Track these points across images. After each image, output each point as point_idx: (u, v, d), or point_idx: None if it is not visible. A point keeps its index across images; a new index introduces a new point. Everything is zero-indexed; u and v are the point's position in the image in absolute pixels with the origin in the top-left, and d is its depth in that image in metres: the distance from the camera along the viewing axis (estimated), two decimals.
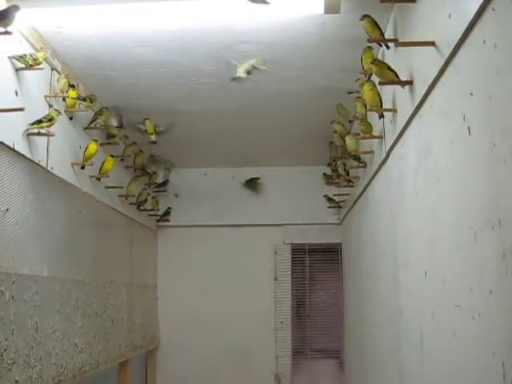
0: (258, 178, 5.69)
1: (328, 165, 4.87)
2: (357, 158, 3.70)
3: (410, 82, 2.32)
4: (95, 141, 3.46)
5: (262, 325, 5.62)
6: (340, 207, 5.30)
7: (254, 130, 4.59)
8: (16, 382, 2.54)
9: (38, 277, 2.85)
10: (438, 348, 2.01)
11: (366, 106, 3.25)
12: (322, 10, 2.57)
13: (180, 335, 5.63)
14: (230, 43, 3.07)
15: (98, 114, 3.68)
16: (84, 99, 3.40)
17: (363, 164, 3.66)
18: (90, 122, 3.65)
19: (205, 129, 4.55)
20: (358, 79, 3.22)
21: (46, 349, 2.89)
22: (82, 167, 3.39)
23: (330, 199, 5.26)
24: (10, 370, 2.48)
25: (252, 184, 5.70)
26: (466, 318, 1.69)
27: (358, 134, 3.35)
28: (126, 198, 4.51)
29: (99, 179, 3.81)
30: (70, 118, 3.33)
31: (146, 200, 4.98)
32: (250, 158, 5.46)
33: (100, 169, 3.76)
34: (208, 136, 4.75)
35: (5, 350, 2.45)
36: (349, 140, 3.61)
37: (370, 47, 2.83)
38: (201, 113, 4.14)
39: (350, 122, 4.00)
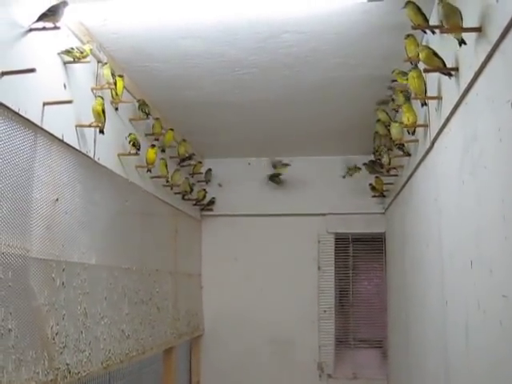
0: (280, 174, 5.68)
1: (373, 153, 4.83)
2: (401, 147, 3.65)
3: (455, 69, 2.28)
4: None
5: (306, 314, 5.63)
6: (384, 196, 5.25)
7: (297, 119, 4.59)
8: (67, 364, 2.63)
9: (87, 264, 2.93)
10: (484, 338, 1.98)
11: (406, 96, 3.21)
12: None
13: (224, 324, 5.70)
14: (273, 33, 3.07)
15: (143, 104, 3.74)
16: (143, 109, 3.70)
17: (407, 154, 3.62)
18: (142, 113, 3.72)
19: (248, 119, 4.57)
20: (393, 71, 3.20)
21: (94, 334, 2.97)
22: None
23: (373, 188, 5.21)
24: (61, 353, 2.57)
25: (275, 179, 5.69)
26: None
27: (402, 123, 3.31)
28: (171, 188, 4.58)
29: (150, 170, 3.87)
30: (116, 109, 3.40)
31: (191, 190, 5.03)
32: (294, 148, 5.46)
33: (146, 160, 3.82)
34: (252, 126, 4.77)
35: (56, 334, 2.53)
36: (393, 129, 3.56)
37: (411, 35, 2.79)
38: (245, 103, 4.16)
39: (395, 110, 3.96)
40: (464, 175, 2.27)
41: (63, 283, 2.64)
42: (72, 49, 2.71)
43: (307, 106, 4.27)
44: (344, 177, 5.41)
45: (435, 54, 2.41)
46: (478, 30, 1.95)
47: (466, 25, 2.08)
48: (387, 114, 3.98)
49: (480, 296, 2.03)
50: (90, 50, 2.83)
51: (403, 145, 3.61)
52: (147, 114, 3.73)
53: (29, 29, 2.36)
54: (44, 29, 2.42)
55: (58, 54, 2.66)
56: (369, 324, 5.76)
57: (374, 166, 4.91)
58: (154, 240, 4.25)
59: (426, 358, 3.21)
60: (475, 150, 2.10)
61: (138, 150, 3.54)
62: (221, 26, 3.00)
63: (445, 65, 2.37)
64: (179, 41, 3.16)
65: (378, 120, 4.10)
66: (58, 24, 2.45)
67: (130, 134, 3.53)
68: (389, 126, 3.90)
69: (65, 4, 2.48)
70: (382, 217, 5.57)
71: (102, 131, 2.99)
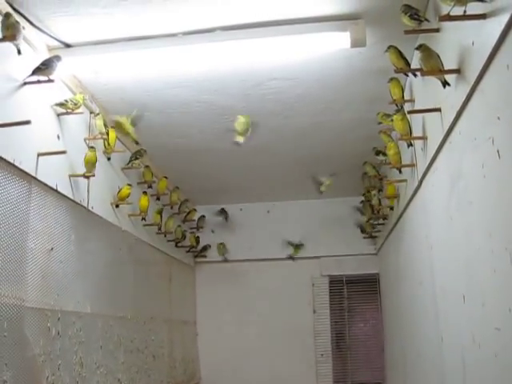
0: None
1: (362, 194, 4.89)
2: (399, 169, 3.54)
3: (438, 110, 2.36)
4: (129, 185, 3.53)
5: (303, 358, 5.58)
6: (374, 237, 5.28)
7: (287, 163, 4.65)
8: None
9: (82, 313, 2.92)
10: (481, 372, 1.99)
11: (390, 136, 3.29)
12: (348, 45, 2.64)
13: (220, 370, 5.63)
14: (261, 80, 3.15)
15: (138, 154, 3.79)
16: (136, 158, 3.74)
17: (404, 179, 3.52)
18: (129, 162, 3.76)
19: (239, 165, 4.63)
20: (378, 113, 3.27)
21: None
22: (117, 206, 3.48)
23: (363, 230, 5.25)
24: None
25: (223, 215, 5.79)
26: (507, 340, 1.68)
27: (389, 163, 3.37)
28: (165, 236, 4.59)
29: (144, 218, 3.92)
30: (108, 159, 3.45)
31: (183, 237, 5.05)
32: (285, 192, 5.51)
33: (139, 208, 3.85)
34: (242, 172, 4.82)
35: None
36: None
37: (395, 78, 2.88)
38: (235, 149, 4.21)
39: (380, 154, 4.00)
40: (452, 211, 2.32)
41: (59, 332, 2.63)
42: (66, 101, 2.77)
43: (296, 151, 4.33)
44: (320, 192, 5.13)
45: (437, 54, 2.31)
46: (457, 71, 2.03)
47: (446, 67, 2.16)
48: (373, 167, 4.07)
49: (474, 330, 2.05)
50: (83, 99, 2.89)
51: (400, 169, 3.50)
52: (136, 158, 3.75)
53: (23, 82, 2.42)
54: (38, 82, 2.48)
55: (52, 106, 2.72)
56: (367, 366, 5.69)
57: (363, 209, 4.97)
58: (148, 288, 4.24)
59: None
60: (461, 187, 2.16)
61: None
62: (209, 75, 3.08)
63: (443, 66, 2.25)
64: (168, 91, 3.24)
65: (365, 162, 4.18)
66: (51, 77, 2.51)
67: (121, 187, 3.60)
68: (377, 167, 3.98)
69: (58, 58, 2.55)
70: (375, 257, 5.59)
71: (88, 177, 3.02)
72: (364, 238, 5.38)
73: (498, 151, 1.70)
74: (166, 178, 4.35)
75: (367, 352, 5.69)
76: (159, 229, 4.40)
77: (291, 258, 5.65)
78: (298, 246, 5.67)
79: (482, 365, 1.96)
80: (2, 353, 2.14)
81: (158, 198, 4.41)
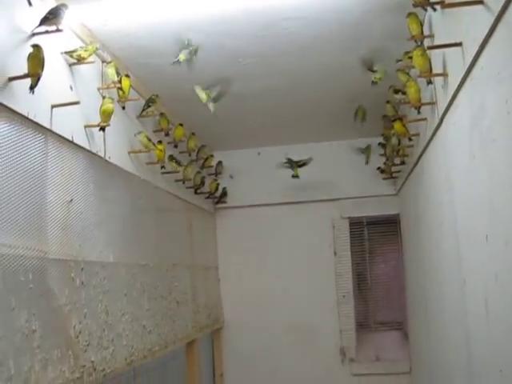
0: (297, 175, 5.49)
1: (382, 135, 4.82)
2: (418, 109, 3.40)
3: (459, 44, 2.28)
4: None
5: (324, 300, 5.65)
6: (395, 178, 5.23)
7: (303, 106, 4.59)
8: (92, 362, 2.67)
9: (105, 263, 2.97)
10: (504, 310, 1.99)
11: (409, 74, 3.19)
12: None
13: (243, 314, 5.73)
14: (273, 21, 3.07)
15: (150, 101, 3.75)
16: (149, 105, 3.72)
17: (424, 118, 3.42)
18: (142, 111, 3.73)
19: (255, 108, 4.58)
20: (406, 52, 3.15)
21: (116, 331, 3.01)
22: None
23: (382, 171, 5.20)
24: (85, 351, 2.61)
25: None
26: None
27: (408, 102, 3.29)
28: (183, 183, 4.60)
29: (163, 166, 3.92)
30: (123, 108, 3.41)
31: (202, 183, 5.05)
32: (302, 135, 5.45)
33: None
34: (258, 115, 4.77)
35: (80, 333, 2.57)
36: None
37: (413, 13, 2.78)
38: (249, 92, 4.17)
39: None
40: (474, 150, 2.27)
41: (83, 282, 2.68)
42: (76, 50, 2.73)
43: (313, 92, 4.26)
44: (367, 162, 5.23)
45: None
46: (480, 2, 1.94)
47: None
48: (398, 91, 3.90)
49: (497, 269, 2.03)
50: (94, 49, 2.85)
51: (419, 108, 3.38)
52: (149, 106, 3.73)
53: (32, 34, 2.38)
54: (47, 32, 2.44)
55: (62, 54, 2.68)
56: (388, 306, 5.77)
57: (383, 149, 4.90)
58: (170, 235, 4.28)
59: (447, 335, 3.21)
60: (484, 124, 2.10)
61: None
62: (220, 18, 3.01)
63: None
64: (179, 36, 3.17)
65: (387, 102, 4.09)
66: (60, 27, 2.47)
67: (139, 133, 3.58)
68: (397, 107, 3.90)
69: (65, 6, 2.49)
70: (395, 198, 5.56)
71: (103, 129, 2.98)
72: (383, 179, 5.33)
73: None
74: (181, 125, 4.32)
75: (388, 293, 5.76)
76: (178, 176, 4.41)
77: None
78: (297, 164, 5.40)
79: (506, 304, 1.96)
80: (30, 304, 2.19)
81: (176, 146, 4.39)
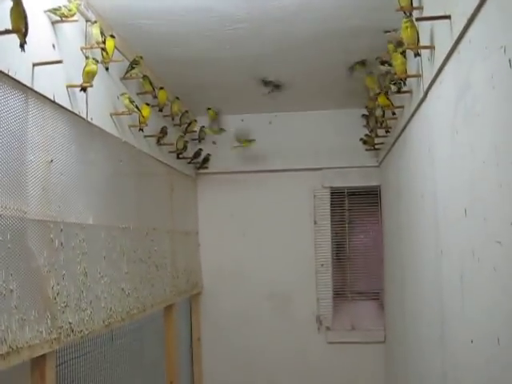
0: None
1: (365, 107, 4.82)
2: (400, 83, 3.37)
3: (448, 17, 2.27)
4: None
5: (303, 268, 5.71)
6: (377, 149, 5.26)
7: (290, 73, 4.56)
8: (70, 323, 2.68)
9: (85, 224, 2.96)
10: (479, 285, 2.02)
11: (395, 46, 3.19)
12: None
13: (222, 280, 5.78)
14: None
15: (134, 63, 3.70)
16: (132, 67, 3.64)
17: (402, 91, 3.40)
18: (126, 73, 3.68)
19: (240, 75, 4.54)
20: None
21: (95, 293, 3.02)
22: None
23: (365, 142, 5.21)
24: (63, 312, 2.62)
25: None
26: (507, 254, 1.69)
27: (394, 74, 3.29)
28: (165, 146, 4.56)
29: (142, 130, 3.87)
30: (107, 69, 3.36)
31: (185, 148, 5.02)
32: (287, 103, 5.43)
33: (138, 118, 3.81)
34: (244, 82, 4.73)
35: (58, 294, 2.57)
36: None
37: None
38: (236, 59, 4.12)
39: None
40: (457, 124, 2.28)
41: (62, 244, 2.67)
42: (59, 7, 2.67)
43: (300, 60, 4.23)
44: (351, 72, 4.44)
45: None
46: None
47: None
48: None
49: (474, 244, 2.06)
50: (77, 6, 2.78)
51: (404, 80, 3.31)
52: (132, 68, 3.67)
53: None
54: None
55: (45, 11, 2.62)
56: (366, 276, 5.84)
57: (366, 120, 4.91)
58: (151, 199, 4.27)
59: (422, 307, 3.27)
60: (468, 99, 2.11)
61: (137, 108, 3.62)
62: None
63: None
64: None
65: (370, 73, 4.09)
66: None
67: (122, 94, 3.53)
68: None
69: None
70: (377, 170, 5.59)
71: (85, 89, 2.93)
72: (366, 150, 5.35)
73: (509, 60, 1.64)
74: (162, 88, 4.27)
75: (366, 263, 5.82)
76: (158, 140, 4.37)
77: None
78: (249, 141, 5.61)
79: (481, 278, 2.00)
80: (8, 263, 2.18)
81: (161, 110, 4.35)
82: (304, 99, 5.34)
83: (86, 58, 2.99)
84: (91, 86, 2.93)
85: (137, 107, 3.61)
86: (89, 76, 2.90)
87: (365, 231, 5.95)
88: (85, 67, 2.91)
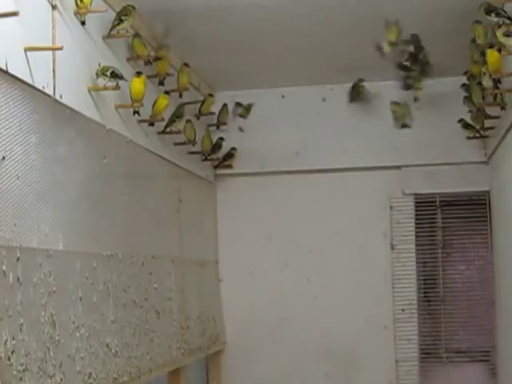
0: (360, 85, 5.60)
1: (464, 73, 4.78)
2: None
3: None
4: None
5: (374, 315, 5.69)
6: (484, 137, 5.19)
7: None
8: None
9: (52, 251, 2.97)
10: None
11: None
12: None
13: (254, 332, 5.79)
14: None
15: (122, 14, 3.72)
16: (120, 20, 3.66)
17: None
18: (112, 28, 3.71)
19: (277, 33, 4.58)
20: None
21: (67, 351, 3.04)
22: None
23: (468, 126, 5.15)
24: (20, 378, 2.63)
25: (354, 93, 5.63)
26: None
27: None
28: (171, 134, 4.59)
29: (137, 112, 3.90)
30: (83, 23, 3.38)
31: (194, 139, 4.99)
32: (348, 67, 5.39)
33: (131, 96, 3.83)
34: (284, 40, 4.75)
35: (12, 353, 2.59)
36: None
37: None
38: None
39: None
40: None
41: (18, 279, 2.68)
42: None
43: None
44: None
45: None
46: None
47: None
48: None
49: None
50: None
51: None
52: (121, 21, 3.69)
53: None
54: None
55: None
56: (468, 327, 5.79)
57: (468, 93, 4.86)
58: (148, 213, 4.29)
59: None
60: None
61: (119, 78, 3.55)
62: None
63: None
64: None
65: (476, 21, 4.07)
66: None
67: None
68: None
69: None
70: (485, 168, 5.53)
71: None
72: (468, 138, 5.29)
73: None
74: (186, 65, 4.32)
75: (470, 307, 5.76)
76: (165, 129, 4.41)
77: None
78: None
79: None
80: None
81: (162, 83, 4.36)
82: (371, 64, 5.32)
83: (53, 7, 3.02)
84: (61, 48, 2.96)
85: (119, 77, 3.53)
86: (54, 31, 2.94)
87: (467, 259, 5.89)
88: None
